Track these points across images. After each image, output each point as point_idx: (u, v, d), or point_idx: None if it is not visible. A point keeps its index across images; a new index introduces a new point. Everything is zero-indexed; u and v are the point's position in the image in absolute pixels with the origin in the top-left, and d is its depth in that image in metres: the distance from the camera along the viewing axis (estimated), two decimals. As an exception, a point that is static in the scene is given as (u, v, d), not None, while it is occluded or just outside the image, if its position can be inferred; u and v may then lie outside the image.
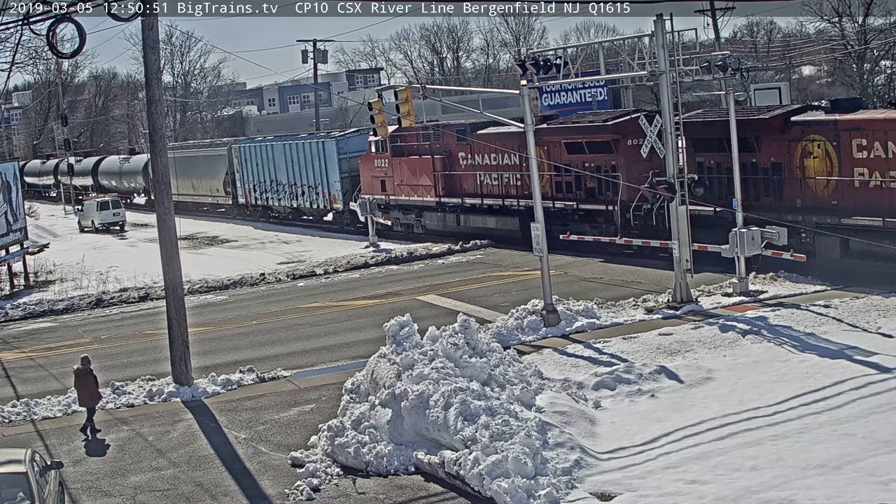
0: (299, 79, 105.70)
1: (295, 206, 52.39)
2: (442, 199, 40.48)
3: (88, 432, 19.71)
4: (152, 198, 71.51)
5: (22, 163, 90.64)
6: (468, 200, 39.03)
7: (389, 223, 43.67)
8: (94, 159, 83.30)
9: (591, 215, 33.83)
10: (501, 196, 37.64)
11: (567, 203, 34.53)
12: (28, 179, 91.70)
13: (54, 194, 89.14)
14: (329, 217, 51.20)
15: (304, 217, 53.06)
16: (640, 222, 31.12)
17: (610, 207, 32.73)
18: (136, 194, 76.45)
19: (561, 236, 34.12)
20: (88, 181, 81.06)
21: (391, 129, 36.25)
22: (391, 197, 43.11)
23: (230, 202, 60.15)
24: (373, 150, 43.63)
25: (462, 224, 39.95)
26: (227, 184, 59.45)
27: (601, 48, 28.65)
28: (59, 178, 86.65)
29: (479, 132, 37.78)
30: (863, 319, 22.03)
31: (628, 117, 32.35)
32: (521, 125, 25.89)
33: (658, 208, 29.52)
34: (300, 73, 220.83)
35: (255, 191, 55.79)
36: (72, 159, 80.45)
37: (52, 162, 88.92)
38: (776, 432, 15.87)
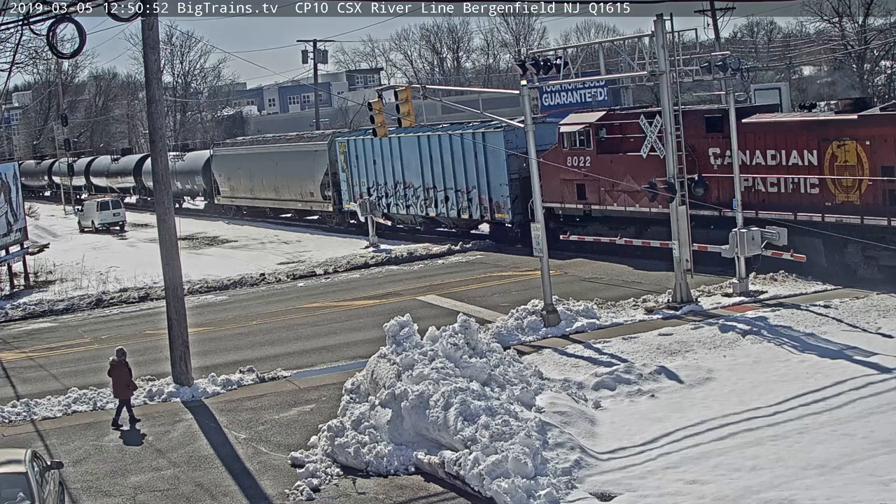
0: (299, 79, 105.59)
1: (432, 214, 41.81)
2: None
3: (128, 423, 20.14)
4: (146, 198, 67.80)
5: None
6: (728, 212, 27.60)
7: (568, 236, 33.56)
8: (87, 160, 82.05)
9: None
10: (784, 207, 27.56)
11: None
12: (22, 180, 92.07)
13: (48, 194, 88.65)
14: (483, 228, 40.56)
15: (441, 229, 43.10)
16: None
17: None
18: (127, 193, 74.01)
19: (561, 236, 34.13)
20: (82, 181, 79.85)
21: (596, 115, 31.88)
22: (593, 206, 33.04)
23: (329, 209, 49.13)
24: (565, 144, 33.67)
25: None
26: (326, 186, 48.92)
27: (601, 48, 28.64)
28: (52, 178, 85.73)
29: (744, 121, 28.23)
30: (863, 319, 22.03)
31: None
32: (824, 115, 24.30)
33: None
34: (300, 73, 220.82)
35: (368, 195, 44.73)
36: (69, 160, 79.78)
37: (47, 162, 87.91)
38: (776, 432, 15.87)
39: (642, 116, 30.06)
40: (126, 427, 20.10)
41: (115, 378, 20.41)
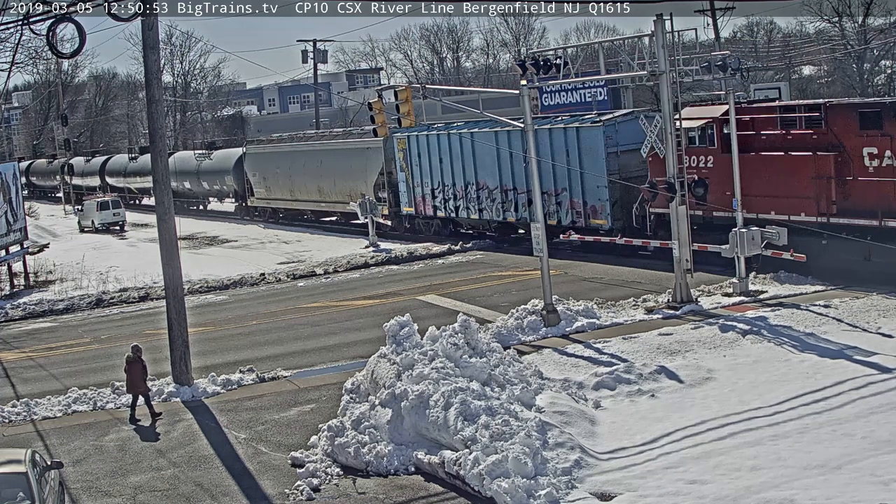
0: (299, 79, 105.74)
1: (510, 219, 37.17)
2: (832, 219, 25.95)
3: (151, 417, 20.37)
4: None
5: (27, 163, 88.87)
6: (890, 222, 24.51)
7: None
8: (101, 158, 78.82)
9: None
10: None
11: None
12: (33, 180, 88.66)
13: (60, 194, 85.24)
14: (571, 237, 33.33)
15: (517, 235, 38.28)
16: None
17: None
18: (146, 194, 68.84)
19: (561, 236, 34.12)
20: (96, 181, 76.89)
21: (720, 109, 28.01)
22: (714, 213, 28.61)
23: (384, 211, 44.45)
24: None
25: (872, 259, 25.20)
26: (381, 187, 44.47)
27: (601, 48, 28.65)
28: (65, 178, 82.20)
29: None
30: (863, 319, 22.03)
31: None
32: None
33: None
34: (300, 73, 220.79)
35: (432, 197, 40.81)
36: (78, 159, 78.81)
37: (59, 161, 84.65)
38: (776, 432, 15.87)
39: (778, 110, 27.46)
40: (145, 422, 20.32)
41: (130, 373, 20.63)
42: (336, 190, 47.90)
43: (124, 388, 21.45)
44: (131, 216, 63.79)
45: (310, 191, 50.39)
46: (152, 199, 67.44)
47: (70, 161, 78.75)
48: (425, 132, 41.07)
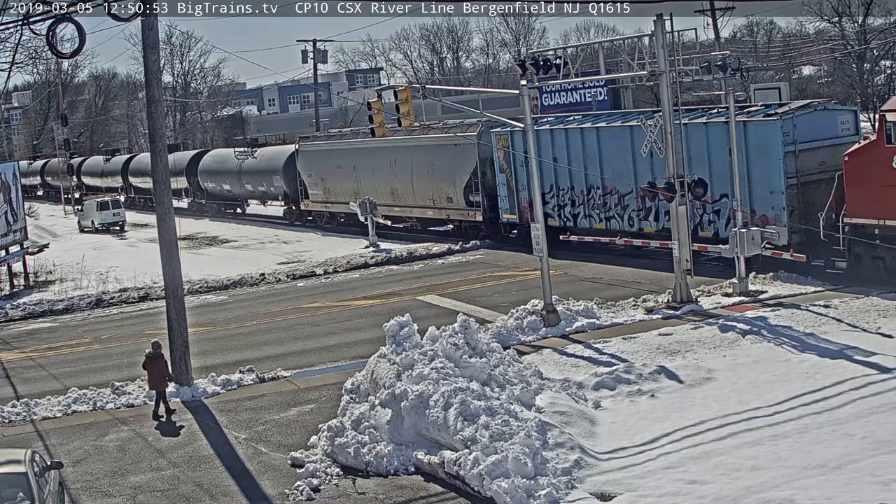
0: (299, 79, 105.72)
1: (648, 229, 31.81)
2: None
3: (164, 413, 20.53)
4: (202, 201, 60.88)
5: (41, 162, 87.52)
6: None
7: None
8: (124, 157, 74.70)
9: None
10: None
11: None
12: (48, 179, 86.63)
13: (78, 195, 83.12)
14: (739, 255, 26.25)
15: (649, 249, 32.02)
16: None
17: None
18: (176, 197, 60.97)
19: (561, 236, 34.11)
20: (118, 181, 72.45)
21: None
22: None
23: (476, 218, 39.03)
24: (893, 138, 24.16)
25: None
26: (472, 190, 39.02)
27: (601, 48, 28.66)
28: (81, 179, 79.85)
29: None
30: (863, 319, 22.04)
31: None
32: None
33: None
34: (300, 73, 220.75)
35: (542, 203, 30.57)
36: (97, 159, 76.39)
37: (74, 161, 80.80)
38: (776, 432, 15.87)
39: None
40: (164, 418, 20.47)
41: (150, 370, 20.78)
42: (416, 193, 42.04)
43: (146, 386, 21.60)
44: (140, 217, 63.61)
45: (381, 193, 44.11)
46: (183, 200, 63.62)
47: (85, 160, 77.63)
48: (535, 127, 32.13)
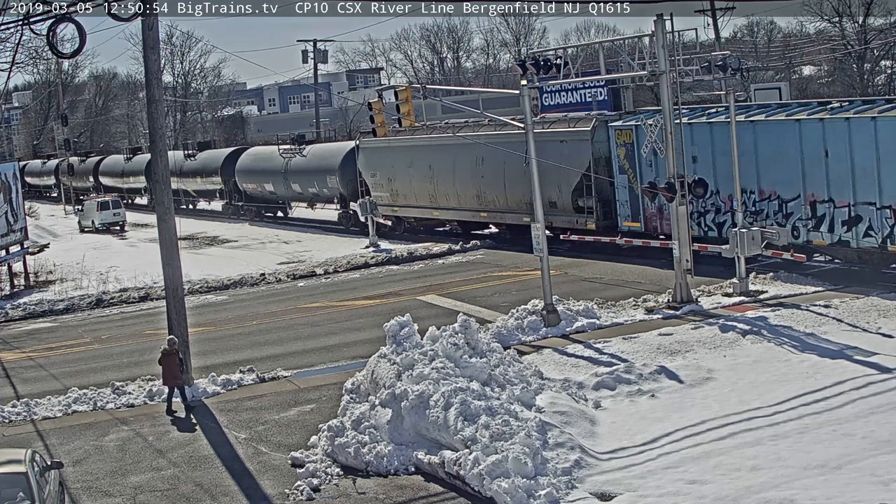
0: (299, 79, 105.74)
1: (817, 241, 27.04)
2: None
3: (184, 409, 20.75)
4: (238, 204, 56.05)
5: (56, 161, 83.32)
6: None
7: None
8: (146, 156, 67.40)
9: None
10: None
11: None
12: (63, 180, 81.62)
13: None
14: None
15: (821, 263, 28.29)
16: None
17: None
18: (211, 197, 61.35)
19: (561, 236, 34.10)
20: (140, 182, 68.33)
21: None
22: None
23: (590, 226, 33.47)
24: None
25: None
26: (581, 194, 33.62)
27: (601, 48, 28.69)
28: (99, 180, 75.78)
29: None
30: (863, 319, 22.04)
31: None
32: None
33: None
34: (300, 73, 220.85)
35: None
36: (116, 158, 72.87)
37: (93, 160, 77.85)
38: (776, 432, 15.87)
39: None
40: (181, 414, 20.58)
41: (165, 366, 20.90)
42: (509, 196, 36.68)
43: (160, 382, 21.72)
44: (140, 217, 63.53)
45: (463, 196, 39.01)
46: (218, 202, 59.40)
47: (103, 159, 74.81)
48: (705, 120, 29.98)
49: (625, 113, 33.60)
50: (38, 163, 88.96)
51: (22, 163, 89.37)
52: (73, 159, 79.67)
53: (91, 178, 76.83)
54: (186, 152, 62.58)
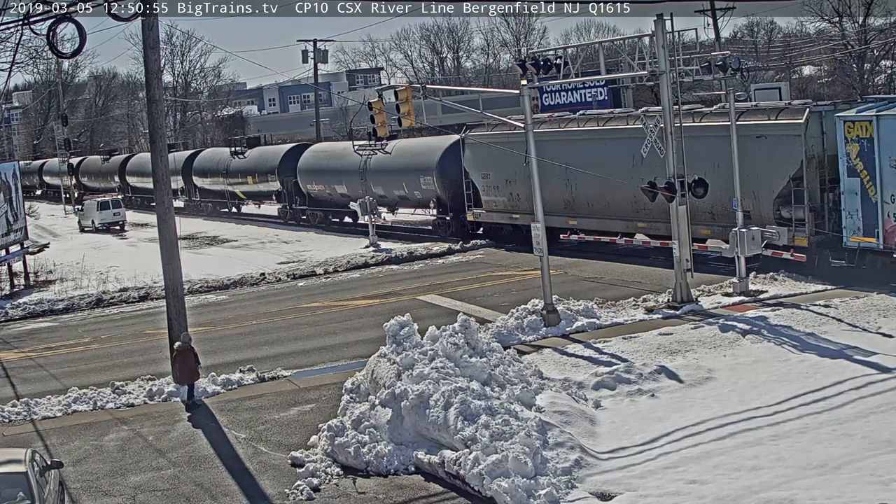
0: (299, 79, 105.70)
1: None
2: None
3: (187, 407, 20.89)
4: (302, 208, 48.68)
5: (77, 159, 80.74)
6: None
7: None
8: (185, 153, 64.81)
9: None
10: None
11: None
12: (84, 180, 79.41)
13: (119, 197, 72.99)
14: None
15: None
16: None
17: None
18: (267, 199, 55.53)
19: (561, 236, 34.06)
20: (178, 182, 60.94)
21: None
22: None
23: (798, 239, 27.02)
24: None
25: None
26: (786, 202, 27.54)
27: (601, 48, 28.64)
28: (126, 180, 71.79)
29: None
30: (863, 319, 22.04)
31: None
32: None
33: None
34: (300, 73, 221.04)
35: None
36: (143, 156, 67.35)
37: (118, 158, 73.92)
38: (776, 432, 15.87)
39: None
40: (186, 412, 20.65)
41: (181, 363, 21.07)
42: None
43: (174, 379, 21.78)
44: (140, 217, 63.40)
45: (613, 204, 32.06)
46: (273, 205, 53.03)
47: (130, 156, 71.79)
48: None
49: (843, 102, 28.18)
50: (55, 161, 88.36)
51: (39, 161, 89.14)
52: (93, 158, 76.77)
53: (116, 178, 73.49)
54: (234, 149, 57.28)
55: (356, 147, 45.36)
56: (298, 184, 50.35)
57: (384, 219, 45.11)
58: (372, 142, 41.61)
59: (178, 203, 63.31)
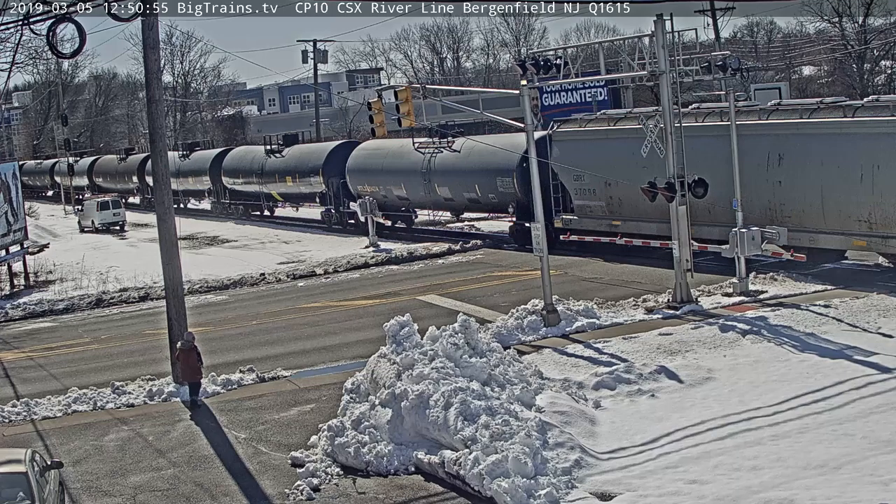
0: (299, 79, 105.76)
1: None
2: None
3: (189, 406, 20.94)
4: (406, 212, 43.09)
5: (91, 159, 79.94)
6: None
7: None
8: (215, 151, 61.75)
9: None
10: None
11: None
12: (98, 181, 77.91)
13: (136, 200, 73.20)
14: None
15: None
16: None
17: None
18: (317, 199, 49.49)
19: (561, 236, 34.05)
20: (205, 183, 60.19)
21: None
22: None
23: None
24: None
25: None
26: None
27: (601, 48, 28.64)
28: (145, 180, 67.84)
29: None
30: (863, 319, 22.03)
31: None
32: None
33: None
34: (300, 73, 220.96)
35: None
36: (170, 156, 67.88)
37: (135, 158, 71.08)
38: (776, 432, 15.87)
39: None
40: (188, 412, 20.67)
41: (183, 362, 21.10)
42: (837, 211, 25.50)
43: (178, 378, 21.79)
44: (140, 217, 63.45)
45: (752, 205, 26.69)
46: (314, 207, 48.53)
47: (148, 157, 70.18)
48: None
49: None
50: (70, 160, 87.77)
51: (50, 161, 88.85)
52: (109, 157, 74.51)
53: (135, 178, 70.80)
54: (269, 147, 52.93)
55: (416, 144, 41.23)
56: (347, 185, 45.68)
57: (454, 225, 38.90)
58: (436, 139, 38.79)
59: (206, 205, 62.76)
